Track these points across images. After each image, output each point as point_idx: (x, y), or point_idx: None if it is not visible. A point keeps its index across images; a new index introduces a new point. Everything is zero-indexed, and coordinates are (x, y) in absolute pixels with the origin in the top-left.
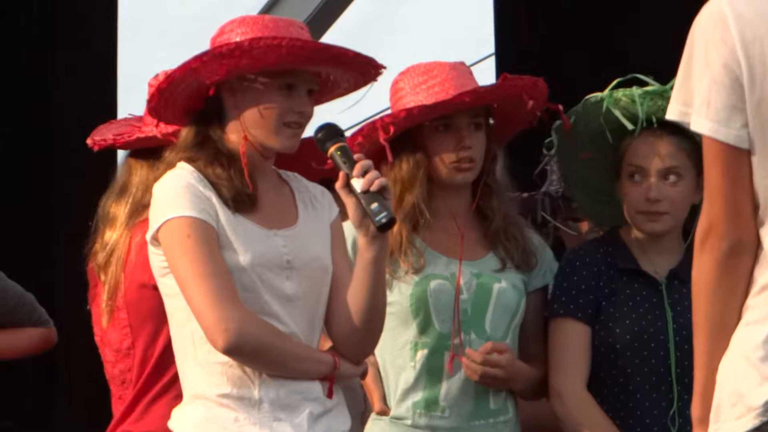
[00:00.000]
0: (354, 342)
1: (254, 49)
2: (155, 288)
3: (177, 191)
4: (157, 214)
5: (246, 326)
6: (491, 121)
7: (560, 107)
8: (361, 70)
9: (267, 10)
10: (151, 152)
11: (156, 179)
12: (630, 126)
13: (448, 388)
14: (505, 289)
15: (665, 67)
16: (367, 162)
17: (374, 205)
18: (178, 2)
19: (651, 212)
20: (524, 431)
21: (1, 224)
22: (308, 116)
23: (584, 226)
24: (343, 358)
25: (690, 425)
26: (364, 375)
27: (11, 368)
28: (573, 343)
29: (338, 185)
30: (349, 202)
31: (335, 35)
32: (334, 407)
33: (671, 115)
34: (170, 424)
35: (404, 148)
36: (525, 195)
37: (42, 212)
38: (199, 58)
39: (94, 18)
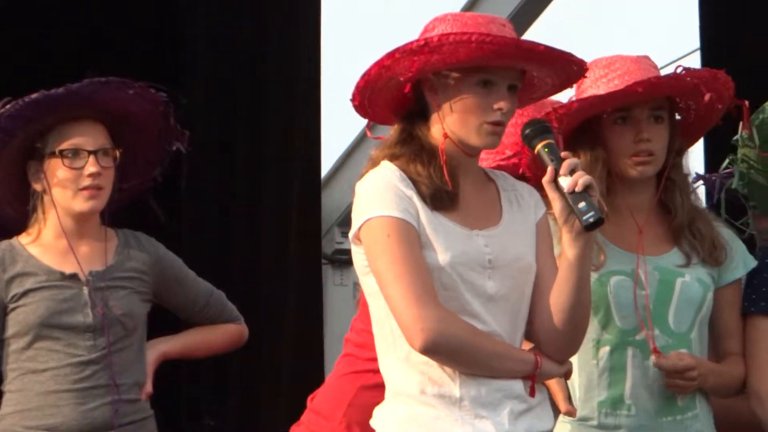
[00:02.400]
0: (558, 341)
1: (444, 45)
2: None
3: (379, 190)
4: (359, 213)
5: (444, 326)
6: (677, 117)
7: (746, 103)
8: (558, 65)
9: (469, 7)
10: None
11: (360, 178)
12: None
13: (633, 385)
14: (689, 282)
15: None
16: (574, 160)
17: (582, 204)
18: (380, 3)
19: None
20: (720, 425)
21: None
22: (509, 113)
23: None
24: (546, 357)
25: None
26: (568, 375)
27: (216, 366)
28: None
29: (545, 180)
30: (555, 198)
31: (538, 31)
32: (537, 405)
33: None
34: (372, 422)
35: (583, 141)
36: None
37: None
38: (391, 55)
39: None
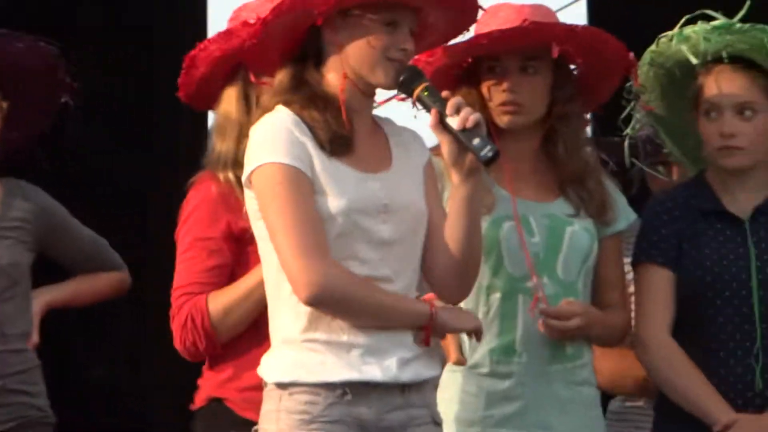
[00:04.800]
0: (451, 282)
1: None
2: None
3: (273, 136)
4: (251, 158)
5: (329, 279)
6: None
7: (631, 55)
8: (463, 8)
9: None
10: None
11: (252, 123)
12: (695, 61)
13: (523, 332)
14: (578, 231)
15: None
16: (458, 98)
17: (476, 141)
18: None
19: (727, 147)
20: (607, 380)
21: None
22: (410, 53)
23: (675, 171)
24: (442, 310)
25: None
26: (478, 335)
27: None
28: (656, 289)
29: (432, 124)
30: (444, 140)
31: None
32: (424, 353)
33: None
34: (259, 370)
35: (462, 88)
36: (616, 139)
37: None
38: None
39: None
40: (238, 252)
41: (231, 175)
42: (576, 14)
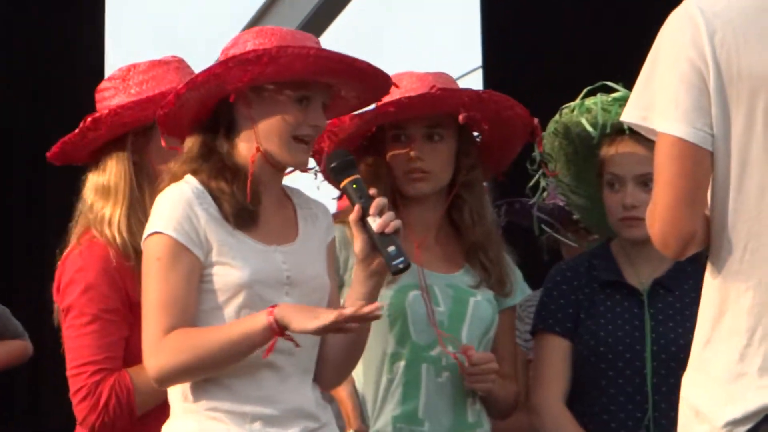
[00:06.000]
0: (339, 362)
1: (282, 57)
2: None
3: (169, 206)
4: (149, 224)
5: (160, 361)
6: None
7: (535, 121)
8: (376, 84)
9: (254, 22)
10: None
11: (161, 190)
12: (594, 133)
13: (426, 400)
14: (480, 302)
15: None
16: (383, 200)
17: (391, 248)
18: (166, 12)
19: (629, 218)
20: None
21: None
22: (321, 130)
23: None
24: (283, 309)
25: None
26: (318, 331)
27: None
28: (553, 357)
29: (353, 219)
30: (359, 236)
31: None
32: (327, 423)
33: (628, 117)
34: None
35: (368, 154)
36: (517, 205)
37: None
38: (224, 64)
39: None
40: (132, 320)
41: (123, 240)
42: (473, 82)
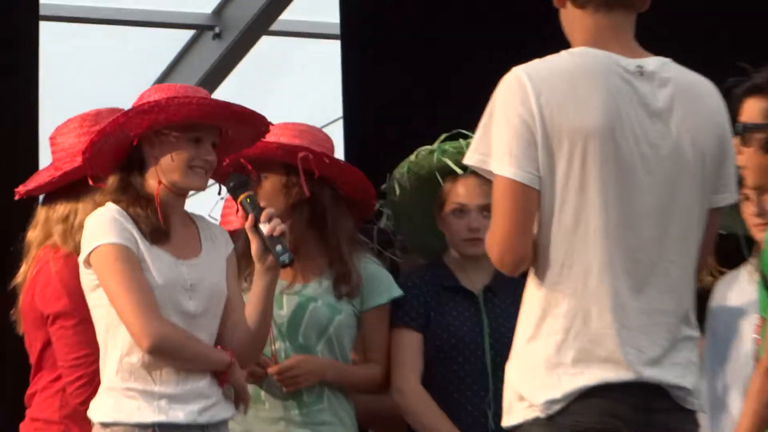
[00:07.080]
0: (249, 349)
1: (170, 106)
2: None
3: (105, 223)
4: (88, 241)
5: (164, 331)
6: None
7: (309, 157)
8: (254, 124)
9: (163, 78)
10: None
11: (87, 215)
12: (459, 171)
13: (267, 386)
14: (319, 307)
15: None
16: (272, 210)
17: (278, 247)
18: (89, 83)
19: (473, 239)
20: (365, 420)
21: None
22: (212, 163)
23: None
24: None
25: (501, 409)
26: (254, 376)
27: None
28: (409, 347)
29: (248, 226)
30: (254, 240)
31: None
32: (220, 400)
33: (471, 161)
34: (89, 412)
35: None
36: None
37: None
38: (125, 114)
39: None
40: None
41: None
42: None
